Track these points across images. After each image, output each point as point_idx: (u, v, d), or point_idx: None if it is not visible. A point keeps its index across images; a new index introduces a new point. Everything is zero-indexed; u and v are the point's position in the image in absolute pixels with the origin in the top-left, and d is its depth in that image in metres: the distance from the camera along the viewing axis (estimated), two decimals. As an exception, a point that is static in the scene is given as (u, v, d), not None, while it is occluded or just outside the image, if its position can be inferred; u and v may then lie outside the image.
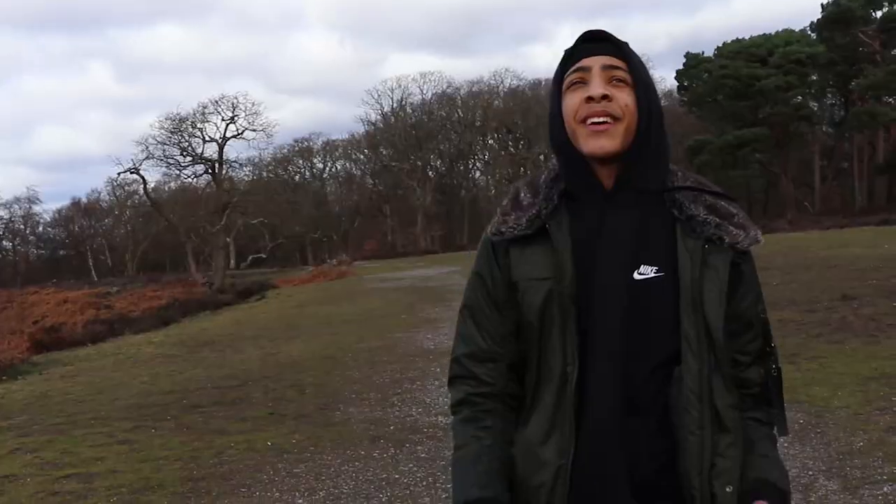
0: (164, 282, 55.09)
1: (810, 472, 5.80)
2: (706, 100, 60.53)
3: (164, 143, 50.50)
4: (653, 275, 1.81)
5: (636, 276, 1.81)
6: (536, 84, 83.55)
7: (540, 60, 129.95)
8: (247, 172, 69.52)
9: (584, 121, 1.82)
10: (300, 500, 6.05)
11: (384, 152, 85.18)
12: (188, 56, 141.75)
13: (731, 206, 1.88)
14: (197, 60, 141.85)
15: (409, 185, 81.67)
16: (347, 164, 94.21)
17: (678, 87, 66.41)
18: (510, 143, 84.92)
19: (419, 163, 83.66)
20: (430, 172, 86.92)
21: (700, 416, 1.78)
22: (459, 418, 1.96)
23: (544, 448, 1.83)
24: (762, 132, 56.65)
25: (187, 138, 51.31)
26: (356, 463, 6.93)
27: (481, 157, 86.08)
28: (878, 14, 56.73)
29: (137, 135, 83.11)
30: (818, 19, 57.76)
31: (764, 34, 60.91)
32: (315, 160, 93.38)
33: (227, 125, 51.49)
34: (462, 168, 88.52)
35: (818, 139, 66.00)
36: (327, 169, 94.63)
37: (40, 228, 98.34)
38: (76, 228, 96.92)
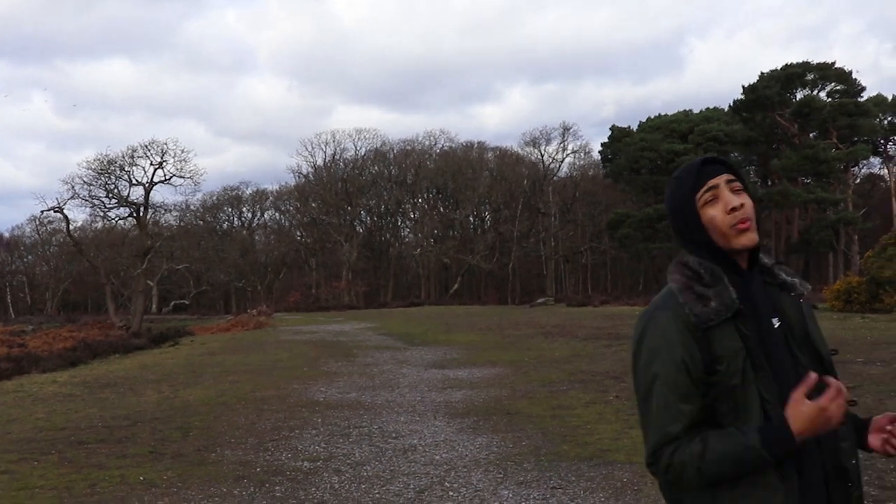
0: (82, 323, 54.74)
1: (607, 520, 6.61)
2: (626, 173, 62.21)
3: (91, 184, 50.65)
4: (777, 324, 2.41)
5: (775, 322, 2.42)
6: (469, 146, 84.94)
7: (489, 120, 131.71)
8: (174, 217, 69.48)
9: (733, 226, 2.40)
10: (154, 527, 6.73)
11: (314, 205, 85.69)
12: (133, 92, 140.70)
13: (787, 269, 2.60)
14: (142, 98, 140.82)
15: (337, 240, 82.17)
16: (277, 215, 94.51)
17: (601, 158, 68.04)
18: (440, 202, 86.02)
19: (348, 217, 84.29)
20: (359, 228, 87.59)
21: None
22: (674, 451, 2.30)
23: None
24: (681, 207, 58.25)
25: (114, 180, 51.48)
26: (215, 499, 7.62)
27: (411, 215, 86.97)
28: (797, 97, 59.04)
29: (71, 170, 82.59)
30: (737, 100, 59.92)
31: (685, 111, 63.04)
32: (244, 209, 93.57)
33: (156, 170, 51.79)
34: (391, 225, 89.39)
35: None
36: (256, 218, 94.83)
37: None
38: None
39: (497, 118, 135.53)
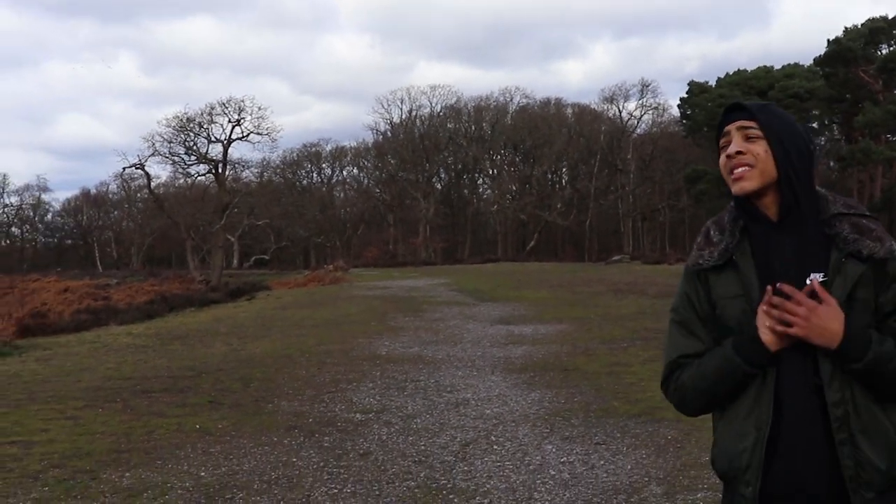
0: (163, 277, 56.06)
1: (646, 479, 6.65)
2: (705, 129, 61.25)
3: (171, 141, 51.62)
4: (822, 279, 2.27)
5: (808, 281, 2.27)
6: (546, 103, 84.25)
7: (571, 76, 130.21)
8: (253, 174, 70.43)
9: (730, 172, 2.38)
10: (203, 473, 6.95)
11: (392, 162, 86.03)
12: (216, 51, 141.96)
13: (871, 223, 2.33)
14: (224, 56, 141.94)
15: (414, 196, 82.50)
16: (356, 171, 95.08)
17: (681, 115, 67.03)
18: (517, 159, 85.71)
19: (425, 174, 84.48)
20: (437, 184, 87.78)
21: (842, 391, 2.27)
22: (680, 374, 2.45)
23: (746, 422, 2.32)
24: (759, 164, 57.33)
25: (193, 138, 52.36)
26: (265, 447, 7.83)
27: (489, 172, 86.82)
28: (881, 52, 57.38)
29: (153, 128, 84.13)
30: (820, 56, 58.43)
31: (765, 67, 61.63)
32: (324, 165, 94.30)
33: (234, 127, 52.52)
34: (468, 181, 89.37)
35: (819, 174, 66.66)
36: (335, 175, 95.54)
37: (49, 217, 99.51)
38: (84, 219, 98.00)
39: (580, 74, 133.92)
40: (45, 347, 17.11)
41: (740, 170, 2.34)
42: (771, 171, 2.34)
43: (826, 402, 2.23)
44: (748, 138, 2.36)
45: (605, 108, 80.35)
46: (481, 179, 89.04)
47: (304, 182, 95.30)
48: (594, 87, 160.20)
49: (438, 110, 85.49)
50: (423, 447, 7.81)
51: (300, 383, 11.44)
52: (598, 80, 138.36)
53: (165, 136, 51.65)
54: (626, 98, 79.19)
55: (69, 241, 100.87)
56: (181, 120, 51.64)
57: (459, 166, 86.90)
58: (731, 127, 2.40)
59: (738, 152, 2.35)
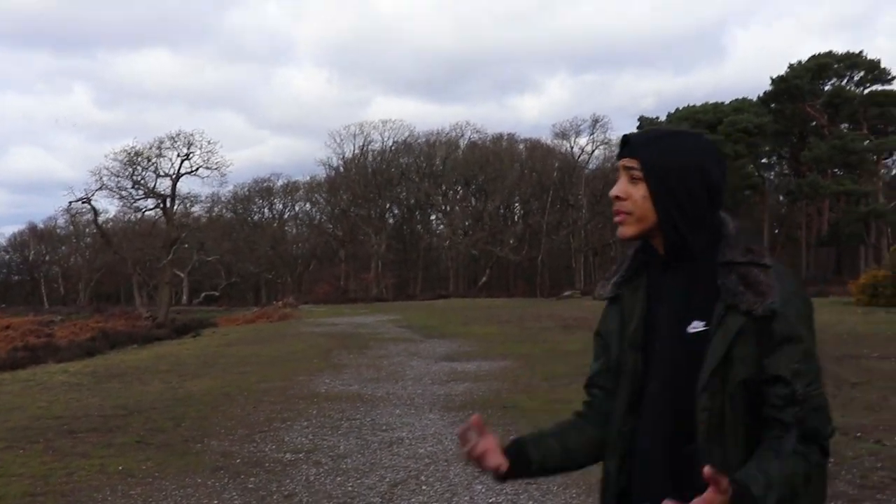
0: (110, 313, 55.28)
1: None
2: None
3: (118, 175, 51.15)
4: (702, 328, 2.13)
5: (690, 329, 2.15)
6: (498, 138, 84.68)
7: (527, 111, 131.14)
8: (203, 208, 69.92)
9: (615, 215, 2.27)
10: (117, 517, 6.72)
11: (344, 197, 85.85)
12: (173, 84, 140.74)
13: (762, 274, 2.12)
14: (181, 89, 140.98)
15: (366, 232, 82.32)
16: (307, 206, 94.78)
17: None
18: (469, 194, 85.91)
19: (377, 210, 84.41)
20: (390, 219, 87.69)
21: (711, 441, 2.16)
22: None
23: (609, 462, 2.33)
24: (709, 199, 58.03)
25: (141, 172, 51.94)
26: (188, 489, 7.61)
27: (442, 207, 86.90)
28: (826, 87, 58.45)
29: (100, 161, 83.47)
30: (766, 91, 59.37)
31: (714, 102, 62.46)
32: (275, 200, 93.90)
33: (182, 161, 52.17)
34: (420, 217, 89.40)
35: (769, 207, 67.54)
36: (287, 210, 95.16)
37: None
38: (31, 254, 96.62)
39: (536, 109, 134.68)
40: (-24, 386, 16.67)
41: (618, 217, 2.25)
42: (650, 216, 2.20)
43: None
44: (632, 179, 2.22)
45: (558, 143, 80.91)
46: (434, 215, 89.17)
47: (256, 217, 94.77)
48: (550, 121, 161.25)
49: (390, 145, 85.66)
50: (350, 488, 7.63)
51: (234, 422, 11.19)
52: (554, 115, 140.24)
53: (113, 170, 51.33)
54: (578, 133, 79.85)
55: (15, 277, 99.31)
56: (129, 154, 51.30)
57: (412, 201, 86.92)
58: (620, 164, 2.26)
59: (617, 197, 2.23)
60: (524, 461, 2.37)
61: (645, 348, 2.25)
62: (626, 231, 2.24)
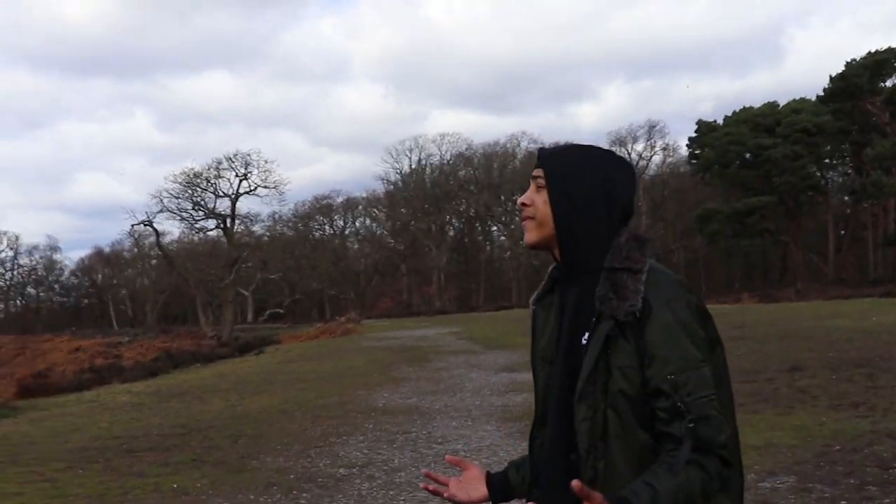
0: (175, 333, 55.99)
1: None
2: (715, 167, 61.10)
3: (178, 197, 51.90)
4: (585, 341, 2.10)
5: (583, 341, 2.11)
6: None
7: (585, 119, 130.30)
8: (264, 227, 70.59)
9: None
10: (169, 535, 6.75)
11: (403, 211, 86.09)
12: (231, 105, 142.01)
13: (629, 280, 2.08)
14: (239, 110, 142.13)
15: (427, 245, 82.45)
16: (368, 222, 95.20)
17: (689, 154, 66.98)
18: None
19: (437, 223, 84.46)
20: (450, 232, 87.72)
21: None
22: None
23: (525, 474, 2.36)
24: (770, 200, 57.12)
25: (200, 193, 52.63)
26: (239, 506, 7.62)
27: (500, 218, 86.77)
28: (887, 84, 57.36)
29: (160, 184, 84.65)
30: (825, 89, 58.38)
31: (771, 103, 61.59)
32: (335, 217, 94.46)
33: (241, 181, 52.77)
34: (480, 228, 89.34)
35: (832, 208, 66.38)
36: (348, 226, 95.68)
37: (64, 276, 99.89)
38: (99, 278, 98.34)
39: (594, 117, 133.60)
40: (42, 408, 17.00)
41: (524, 223, 2.26)
42: (549, 222, 2.20)
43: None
44: (537, 187, 2.23)
45: (615, 150, 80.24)
46: (494, 226, 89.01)
47: (317, 234, 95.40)
48: (609, 128, 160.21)
49: (448, 158, 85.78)
50: (402, 502, 7.57)
51: (290, 438, 11.22)
52: (613, 121, 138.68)
53: (173, 192, 52.03)
54: (635, 140, 79.34)
55: (85, 301, 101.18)
56: (188, 175, 52.00)
57: (472, 213, 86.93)
58: (533, 174, 2.28)
59: (523, 203, 2.25)
60: (506, 486, 2.42)
61: (553, 362, 2.22)
62: (529, 237, 2.25)
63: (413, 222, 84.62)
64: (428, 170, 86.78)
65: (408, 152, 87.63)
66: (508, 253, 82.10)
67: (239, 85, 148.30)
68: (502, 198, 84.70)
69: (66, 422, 14.22)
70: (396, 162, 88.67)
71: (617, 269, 2.10)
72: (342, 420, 12.62)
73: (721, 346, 2.17)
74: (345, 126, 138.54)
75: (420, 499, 7.63)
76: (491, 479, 2.40)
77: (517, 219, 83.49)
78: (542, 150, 2.29)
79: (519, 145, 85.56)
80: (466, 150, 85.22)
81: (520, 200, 2.26)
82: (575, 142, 2.36)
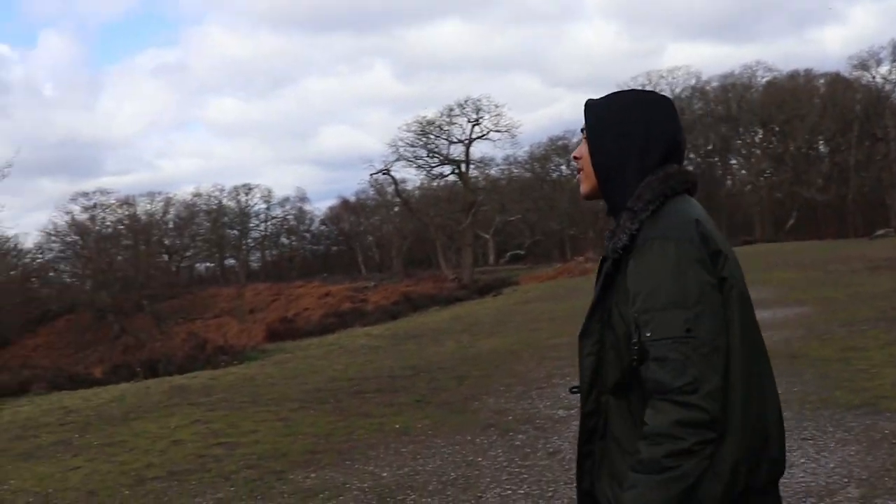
0: (419, 277, 57.58)
1: (845, 480, 6.05)
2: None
3: (413, 145, 53.11)
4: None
5: None
6: (794, 75, 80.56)
7: (828, 45, 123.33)
8: (500, 171, 71.22)
9: None
10: (385, 473, 6.98)
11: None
12: (465, 51, 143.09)
13: (626, 219, 2.13)
14: (474, 56, 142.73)
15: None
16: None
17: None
18: (769, 135, 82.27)
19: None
20: (689, 167, 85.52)
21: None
22: None
23: None
24: None
25: (434, 140, 53.65)
26: (456, 447, 7.77)
27: (739, 151, 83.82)
28: None
29: (395, 134, 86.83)
30: None
31: None
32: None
33: (473, 127, 53.30)
34: (719, 162, 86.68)
35: None
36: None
37: (314, 225, 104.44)
38: (346, 226, 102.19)
39: (837, 42, 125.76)
40: (287, 351, 17.94)
41: (577, 176, 2.34)
42: (591, 173, 2.27)
43: None
44: (586, 140, 2.29)
45: (858, 74, 75.50)
46: (733, 159, 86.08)
47: (554, 175, 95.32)
48: (858, 52, 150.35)
49: (679, 92, 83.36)
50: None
51: (514, 379, 11.32)
52: (859, 45, 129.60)
53: (408, 141, 53.25)
54: (879, 62, 74.14)
55: (334, 248, 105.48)
56: (421, 123, 53.08)
57: (710, 147, 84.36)
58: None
59: (574, 157, 2.31)
60: None
61: None
62: (582, 188, 2.31)
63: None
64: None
65: (640, 88, 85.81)
66: (749, 186, 79.20)
67: (472, 31, 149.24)
68: (741, 130, 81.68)
69: (306, 364, 14.95)
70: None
71: (627, 209, 2.14)
72: (569, 361, 12.58)
73: (737, 289, 2.09)
74: (580, 65, 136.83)
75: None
76: None
77: (757, 152, 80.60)
78: (586, 103, 2.32)
79: (755, 75, 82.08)
80: (697, 82, 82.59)
81: (573, 154, 2.30)
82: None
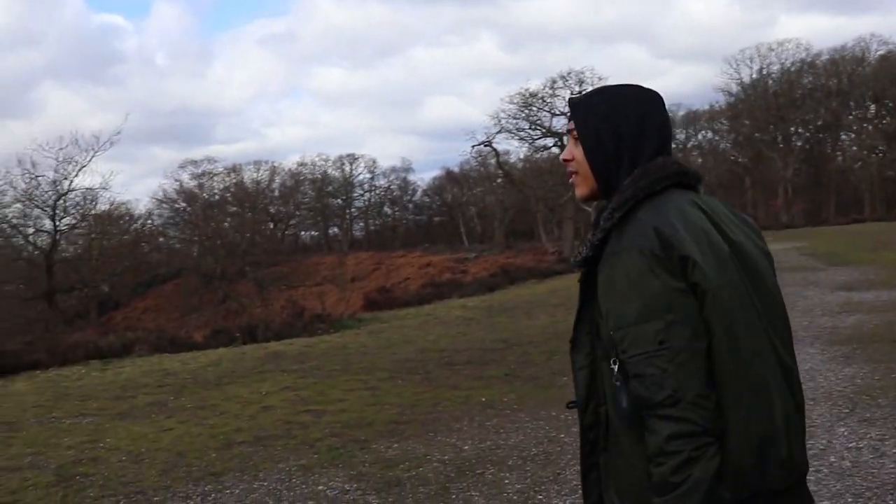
0: (519, 249, 57.52)
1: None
2: None
3: (515, 118, 52.88)
4: None
5: None
6: (911, 48, 77.79)
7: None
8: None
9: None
10: (466, 447, 7.02)
11: (746, 123, 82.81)
12: (572, 22, 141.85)
13: (592, 229, 2.13)
14: (581, 26, 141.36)
15: (771, 157, 79.05)
16: (710, 135, 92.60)
17: None
18: (882, 110, 79.68)
19: (781, 134, 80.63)
20: (797, 142, 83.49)
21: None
22: None
23: None
24: None
25: (536, 112, 53.30)
26: (540, 422, 7.78)
27: (850, 127, 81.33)
28: None
29: (497, 106, 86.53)
30: None
31: None
32: (677, 130, 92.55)
33: (575, 98, 52.86)
34: (829, 138, 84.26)
35: None
36: (690, 140, 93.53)
37: (417, 196, 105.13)
38: (449, 196, 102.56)
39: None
40: (383, 321, 18.10)
41: (570, 179, 2.24)
42: (588, 174, 2.17)
43: None
44: (575, 141, 2.20)
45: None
46: (844, 135, 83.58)
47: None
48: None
49: (788, 66, 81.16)
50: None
51: (604, 355, 11.26)
52: None
53: (510, 113, 53.03)
54: None
55: (436, 219, 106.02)
56: (524, 95, 52.76)
57: (819, 123, 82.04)
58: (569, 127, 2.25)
59: (565, 160, 2.22)
60: None
61: None
62: (578, 192, 2.22)
63: (757, 134, 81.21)
64: (770, 80, 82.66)
65: (748, 61, 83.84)
66: (860, 163, 76.87)
67: (578, 3, 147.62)
68: (852, 104, 79.18)
69: (400, 334, 15.10)
70: (736, 72, 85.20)
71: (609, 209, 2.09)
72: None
73: (710, 293, 1.93)
74: (688, 36, 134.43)
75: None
76: None
77: (869, 128, 78.11)
78: (573, 101, 2.23)
79: (868, 48, 79.42)
80: (806, 56, 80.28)
81: (563, 155, 2.22)
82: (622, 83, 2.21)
